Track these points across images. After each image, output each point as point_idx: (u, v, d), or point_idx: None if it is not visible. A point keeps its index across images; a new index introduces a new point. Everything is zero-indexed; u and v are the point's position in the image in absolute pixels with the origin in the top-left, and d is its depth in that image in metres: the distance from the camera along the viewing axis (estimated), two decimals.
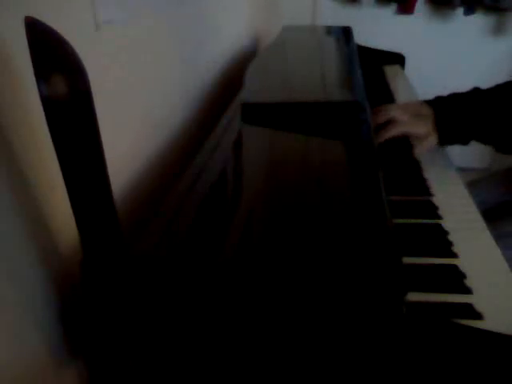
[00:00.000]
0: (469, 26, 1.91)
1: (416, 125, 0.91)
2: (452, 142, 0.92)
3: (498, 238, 0.70)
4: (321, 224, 0.51)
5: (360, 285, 0.43)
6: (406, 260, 0.65)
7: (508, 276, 0.63)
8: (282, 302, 0.42)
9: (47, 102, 0.29)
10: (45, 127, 0.30)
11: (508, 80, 0.94)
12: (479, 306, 0.57)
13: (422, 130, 0.91)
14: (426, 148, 0.92)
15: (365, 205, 0.55)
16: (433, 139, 0.91)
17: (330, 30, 1.48)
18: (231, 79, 1.23)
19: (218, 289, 0.43)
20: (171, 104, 0.83)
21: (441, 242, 0.70)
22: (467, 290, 0.60)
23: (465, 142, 0.91)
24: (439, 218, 0.76)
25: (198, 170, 0.61)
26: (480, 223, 0.75)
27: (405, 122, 0.91)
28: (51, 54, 0.29)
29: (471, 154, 2.06)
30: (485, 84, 0.92)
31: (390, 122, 0.92)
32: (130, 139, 0.66)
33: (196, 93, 0.97)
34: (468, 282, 0.61)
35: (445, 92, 0.94)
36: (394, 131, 0.90)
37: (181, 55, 0.87)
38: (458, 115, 0.90)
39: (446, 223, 0.74)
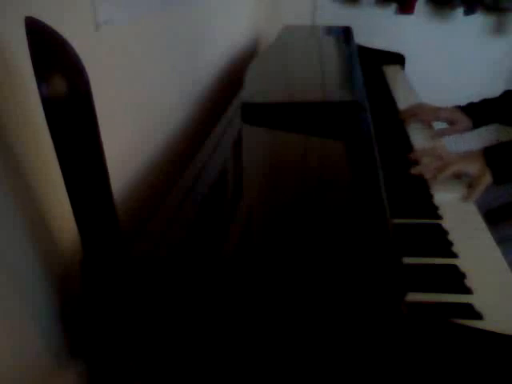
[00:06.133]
0: (469, 26, 1.91)
1: (467, 162, 0.80)
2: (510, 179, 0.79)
3: (500, 241, 0.70)
4: (321, 224, 0.50)
5: (360, 285, 0.43)
6: (406, 260, 0.65)
7: (508, 276, 0.63)
8: (282, 302, 0.41)
9: (47, 102, 0.29)
10: (45, 127, 0.30)
11: None
12: (479, 306, 0.57)
13: (475, 168, 0.79)
14: (481, 190, 0.79)
15: (365, 204, 0.55)
16: (487, 178, 0.79)
17: (330, 30, 1.48)
18: (231, 79, 1.23)
19: (218, 289, 0.43)
20: (171, 104, 0.83)
21: (441, 242, 0.70)
22: (467, 290, 0.60)
23: None
24: (439, 217, 0.76)
25: (198, 169, 0.61)
26: (480, 223, 0.75)
27: (455, 160, 0.81)
28: (51, 54, 0.29)
29: None
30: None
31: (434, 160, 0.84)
32: (130, 139, 0.66)
33: (196, 93, 0.97)
34: (468, 282, 0.61)
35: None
36: (448, 172, 0.80)
37: (181, 55, 0.86)
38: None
39: (446, 223, 0.74)
